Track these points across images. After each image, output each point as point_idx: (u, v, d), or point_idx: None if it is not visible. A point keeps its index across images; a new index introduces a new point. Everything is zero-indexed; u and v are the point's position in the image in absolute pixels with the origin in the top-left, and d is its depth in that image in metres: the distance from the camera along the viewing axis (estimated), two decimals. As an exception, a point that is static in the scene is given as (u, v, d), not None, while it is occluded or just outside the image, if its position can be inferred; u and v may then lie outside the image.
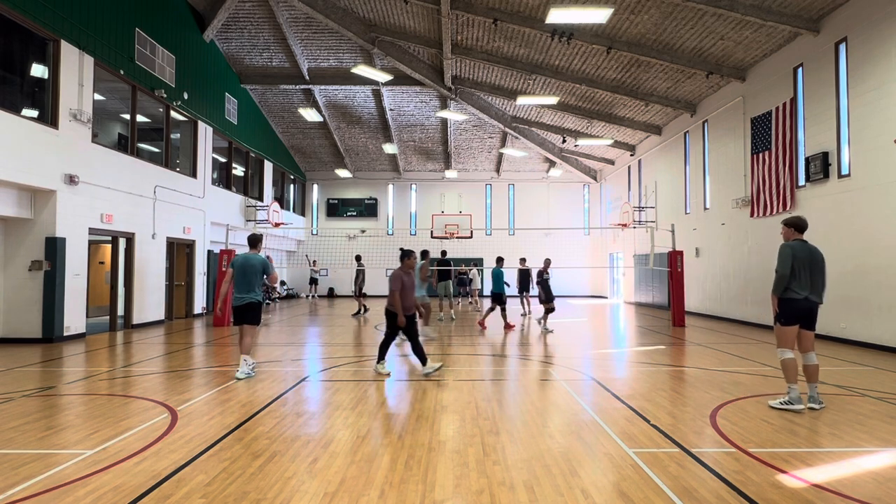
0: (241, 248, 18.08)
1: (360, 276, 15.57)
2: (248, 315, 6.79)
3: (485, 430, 4.59)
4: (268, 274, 6.90)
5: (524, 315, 15.41)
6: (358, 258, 15.89)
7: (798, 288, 5.21)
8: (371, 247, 25.22)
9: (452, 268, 15.48)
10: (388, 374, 7.00)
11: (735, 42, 11.90)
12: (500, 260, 12.67)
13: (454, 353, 8.80)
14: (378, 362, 7.09)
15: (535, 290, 13.13)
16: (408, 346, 8.81)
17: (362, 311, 15.82)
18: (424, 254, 10.87)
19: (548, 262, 12.22)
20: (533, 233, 24.84)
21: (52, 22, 9.97)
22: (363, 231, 25.77)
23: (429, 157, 25.08)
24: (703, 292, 15.44)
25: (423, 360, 7.01)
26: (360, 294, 15.61)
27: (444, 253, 15.38)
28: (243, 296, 6.76)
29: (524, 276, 15.82)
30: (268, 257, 8.10)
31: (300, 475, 3.59)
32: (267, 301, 20.66)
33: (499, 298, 12.29)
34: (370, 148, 24.10)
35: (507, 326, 12.11)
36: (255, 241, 7.09)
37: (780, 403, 5.28)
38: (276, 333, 11.46)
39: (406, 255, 7.11)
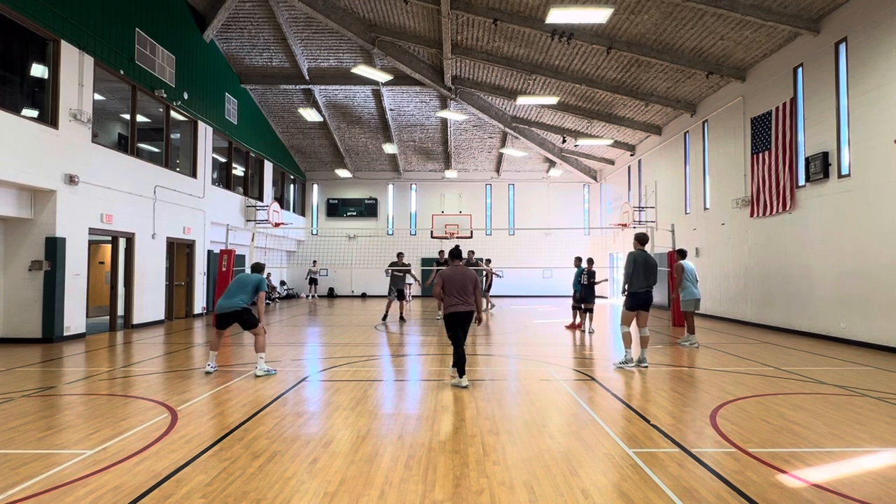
0: (242, 249, 18.10)
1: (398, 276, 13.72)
2: (241, 322, 6.99)
3: (485, 430, 4.59)
4: (258, 290, 7.17)
5: (489, 309, 16.33)
6: (400, 255, 14.10)
7: (638, 286, 7.38)
8: (371, 247, 25.25)
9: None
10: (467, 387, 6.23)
11: (735, 42, 11.89)
12: (579, 259, 12.35)
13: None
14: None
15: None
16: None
17: (388, 316, 13.81)
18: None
19: (591, 262, 11.92)
20: (533, 233, 24.84)
21: (52, 22, 9.97)
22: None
23: (429, 157, 25.07)
24: (703, 292, 15.41)
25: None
26: (402, 297, 13.63)
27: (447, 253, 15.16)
28: (229, 303, 6.97)
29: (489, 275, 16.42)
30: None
31: (300, 475, 3.59)
32: (267, 301, 20.68)
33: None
34: (370, 148, 24.09)
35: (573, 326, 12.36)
36: (258, 269, 7.59)
37: (620, 364, 7.40)
38: (276, 333, 11.46)
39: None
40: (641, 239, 7.65)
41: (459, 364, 6.34)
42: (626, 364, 7.36)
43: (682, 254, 10.15)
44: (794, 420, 4.88)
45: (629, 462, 3.83)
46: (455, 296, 6.25)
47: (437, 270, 6.70)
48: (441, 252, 15.08)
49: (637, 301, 7.42)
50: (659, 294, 18.45)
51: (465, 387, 6.20)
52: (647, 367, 7.38)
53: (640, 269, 7.34)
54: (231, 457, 3.93)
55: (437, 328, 12.35)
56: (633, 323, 7.57)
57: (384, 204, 26.82)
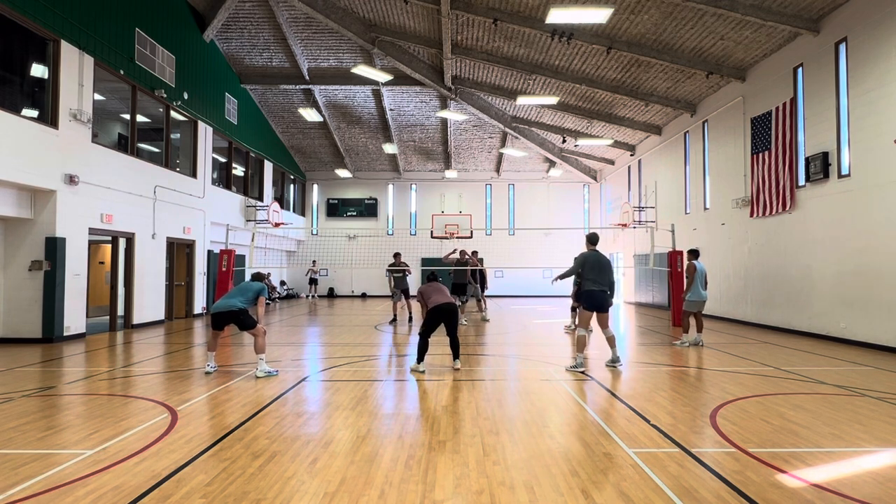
0: (242, 249, 18.10)
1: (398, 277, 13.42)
2: (238, 322, 7.00)
3: (485, 430, 4.59)
4: (259, 296, 7.30)
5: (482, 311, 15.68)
6: (397, 256, 13.67)
7: (593, 284, 7.27)
8: (371, 247, 25.24)
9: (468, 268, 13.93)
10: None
11: (735, 42, 11.89)
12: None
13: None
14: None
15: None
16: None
17: (397, 318, 13.46)
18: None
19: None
20: (533, 233, 24.84)
21: (52, 22, 9.97)
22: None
23: (429, 157, 25.07)
24: (703, 292, 15.42)
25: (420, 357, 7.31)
26: (407, 296, 13.45)
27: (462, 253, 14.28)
28: (226, 303, 7.00)
29: (482, 274, 15.79)
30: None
31: (300, 475, 3.59)
32: (267, 302, 20.66)
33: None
34: (370, 148, 24.09)
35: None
36: (258, 278, 7.76)
37: (572, 368, 7.22)
38: (276, 333, 11.45)
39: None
40: (592, 239, 7.74)
41: (444, 350, 7.11)
42: (576, 368, 7.15)
43: (694, 254, 9.98)
44: (794, 420, 4.88)
45: (629, 462, 3.83)
46: (435, 297, 7.33)
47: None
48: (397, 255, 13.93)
49: (593, 301, 7.24)
50: (658, 294, 18.48)
51: (458, 369, 7.31)
52: (621, 366, 7.43)
53: (592, 269, 7.30)
54: (231, 457, 3.93)
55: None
56: (595, 325, 7.45)
57: (384, 204, 26.83)
